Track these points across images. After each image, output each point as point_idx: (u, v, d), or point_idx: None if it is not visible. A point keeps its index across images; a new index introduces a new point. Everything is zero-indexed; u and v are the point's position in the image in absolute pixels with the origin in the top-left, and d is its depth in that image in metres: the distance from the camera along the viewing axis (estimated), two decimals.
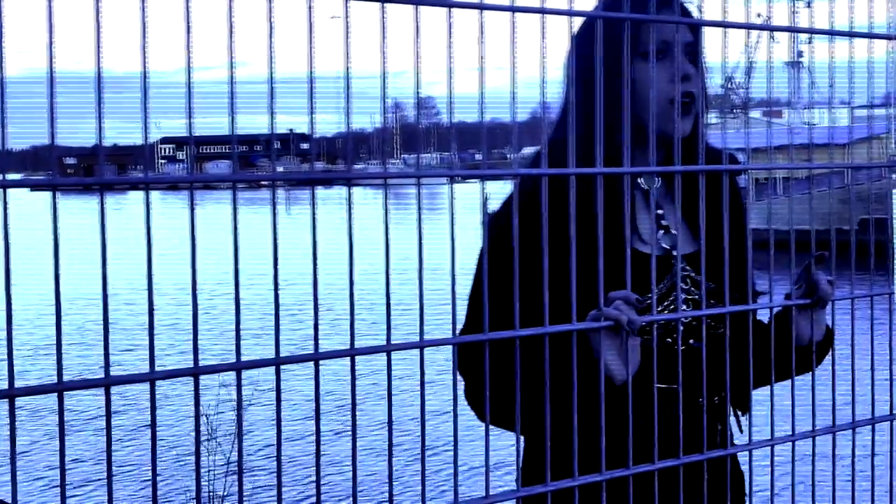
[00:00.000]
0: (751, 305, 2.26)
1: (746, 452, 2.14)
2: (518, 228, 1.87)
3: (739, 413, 2.54)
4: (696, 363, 2.15)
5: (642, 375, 2.18)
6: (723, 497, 2.25)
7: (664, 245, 2.50)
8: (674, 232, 2.50)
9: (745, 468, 2.41)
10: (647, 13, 1.99)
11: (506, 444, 1.91)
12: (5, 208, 1.30)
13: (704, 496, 2.08)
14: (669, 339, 2.41)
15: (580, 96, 2.30)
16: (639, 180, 2.51)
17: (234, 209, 1.46)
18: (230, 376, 1.52)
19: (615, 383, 2.15)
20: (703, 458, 2.07)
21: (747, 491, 2.37)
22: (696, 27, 2.43)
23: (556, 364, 1.94)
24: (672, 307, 2.42)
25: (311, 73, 1.52)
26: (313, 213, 1.53)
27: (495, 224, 2.27)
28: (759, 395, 2.39)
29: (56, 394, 1.36)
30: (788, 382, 2.29)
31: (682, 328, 2.34)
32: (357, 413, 1.63)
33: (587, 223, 2.00)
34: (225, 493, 7.91)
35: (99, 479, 12.22)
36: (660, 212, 2.53)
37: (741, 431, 2.51)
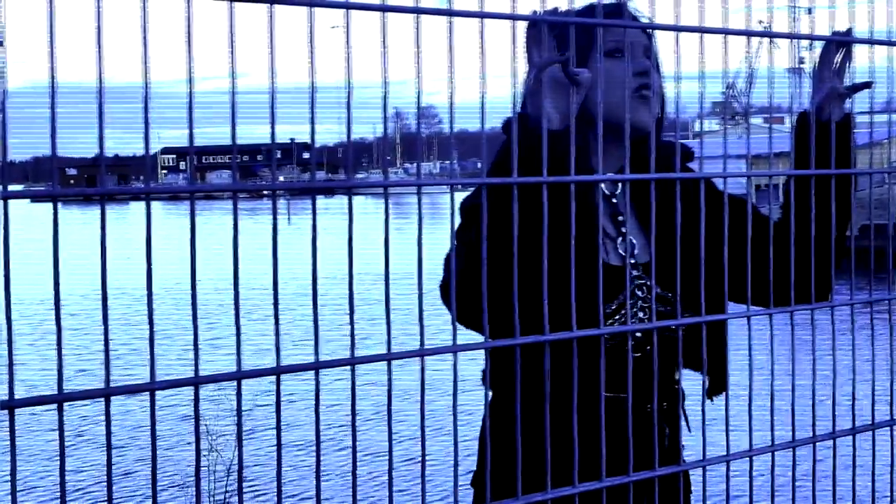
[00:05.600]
0: (773, 310, 2.13)
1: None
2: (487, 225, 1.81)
3: (710, 398, 2.45)
4: (647, 370, 2.15)
5: (591, 384, 1.98)
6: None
7: (621, 252, 2.45)
8: (632, 240, 2.44)
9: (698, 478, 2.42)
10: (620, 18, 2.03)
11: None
12: (6, 219, 1.30)
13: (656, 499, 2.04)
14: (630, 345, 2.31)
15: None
16: (601, 186, 2.47)
17: (235, 219, 1.46)
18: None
19: (553, 127, 2.07)
20: (654, 475, 2.02)
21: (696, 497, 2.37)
22: (649, 32, 2.45)
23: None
24: (624, 318, 2.40)
25: (312, 82, 1.52)
26: (314, 222, 1.53)
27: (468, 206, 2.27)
28: (758, 399, 2.39)
29: (56, 404, 1.36)
30: (789, 387, 2.28)
31: (632, 340, 2.33)
32: (355, 422, 1.63)
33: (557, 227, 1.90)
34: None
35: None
36: (620, 218, 2.48)
37: (689, 430, 2.51)
